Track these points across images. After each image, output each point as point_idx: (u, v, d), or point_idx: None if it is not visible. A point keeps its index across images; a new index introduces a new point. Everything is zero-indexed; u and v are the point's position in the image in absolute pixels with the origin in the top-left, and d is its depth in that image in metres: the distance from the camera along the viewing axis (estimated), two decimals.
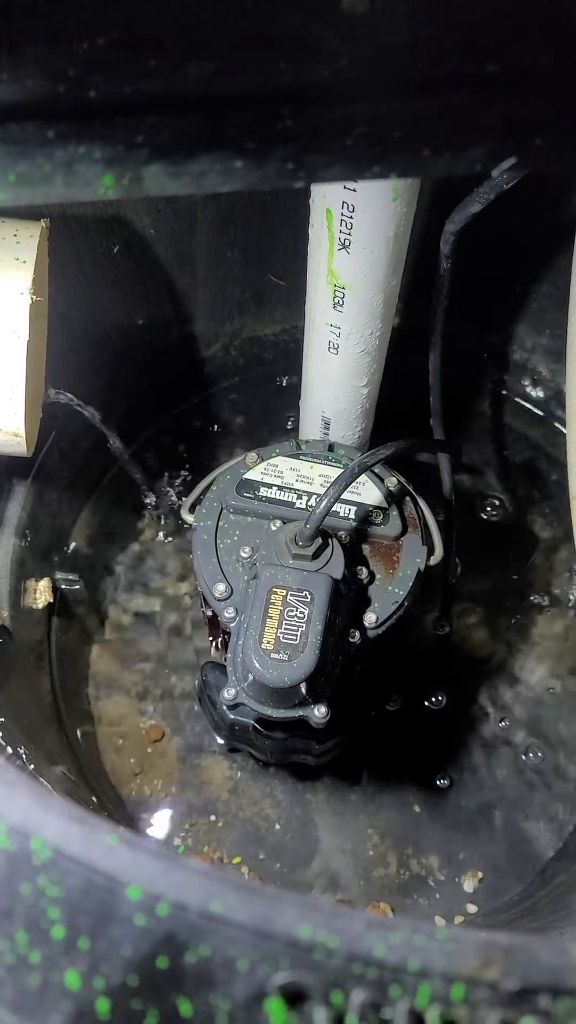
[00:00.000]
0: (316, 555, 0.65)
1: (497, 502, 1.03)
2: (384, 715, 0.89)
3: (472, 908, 0.85)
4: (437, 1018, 0.25)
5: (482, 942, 0.26)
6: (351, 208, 0.60)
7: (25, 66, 0.37)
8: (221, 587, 0.69)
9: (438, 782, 0.89)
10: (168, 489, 1.01)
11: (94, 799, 0.83)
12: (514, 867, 0.87)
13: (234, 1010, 0.25)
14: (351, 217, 0.60)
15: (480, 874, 0.86)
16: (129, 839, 0.27)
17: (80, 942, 0.26)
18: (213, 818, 0.88)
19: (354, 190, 0.59)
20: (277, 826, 0.88)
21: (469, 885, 0.86)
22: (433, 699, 0.92)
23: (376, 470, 0.72)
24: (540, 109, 0.38)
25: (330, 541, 0.66)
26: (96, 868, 0.27)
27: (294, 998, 0.26)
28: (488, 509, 1.02)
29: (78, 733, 0.90)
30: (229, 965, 0.25)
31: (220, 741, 0.84)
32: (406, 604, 0.69)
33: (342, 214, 0.60)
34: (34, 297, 0.64)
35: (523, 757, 0.91)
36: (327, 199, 0.60)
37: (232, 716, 0.71)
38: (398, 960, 0.25)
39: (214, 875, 0.26)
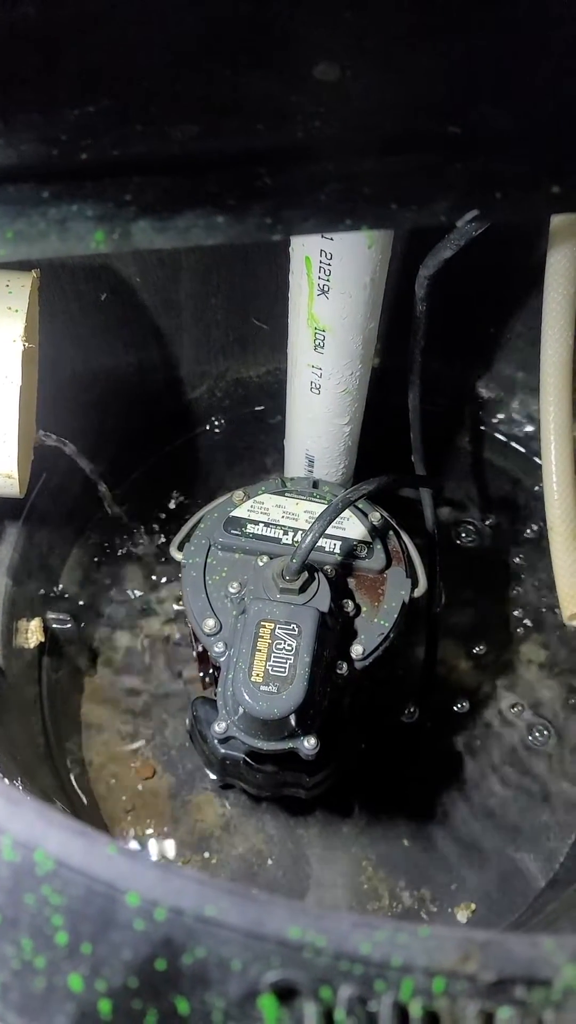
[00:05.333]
0: (303, 589, 0.66)
1: (478, 534, 1.05)
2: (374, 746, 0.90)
3: None
4: (420, 1010, 0.26)
5: (460, 938, 0.27)
6: (329, 256, 0.62)
7: (21, 132, 0.40)
8: (210, 623, 0.70)
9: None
10: (156, 528, 1.03)
11: None
12: (506, 897, 0.87)
13: (229, 1007, 0.27)
14: (329, 264, 0.63)
15: (473, 905, 0.86)
16: (127, 850, 0.29)
17: (82, 947, 0.28)
18: (207, 855, 0.88)
19: (331, 239, 0.61)
20: (270, 861, 0.88)
21: (462, 916, 0.86)
22: (422, 729, 0.93)
23: (360, 505, 0.74)
24: (499, 165, 0.41)
25: (316, 575, 0.67)
26: (96, 877, 0.28)
27: (285, 995, 0.27)
28: (470, 541, 1.05)
29: (70, 771, 0.90)
30: (223, 965, 0.27)
31: (212, 776, 0.84)
32: (392, 636, 0.71)
33: (320, 261, 0.63)
34: (26, 344, 0.67)
35: (513, 787, 0.92)
36: (306, 247, 0.63)
37: (223, 750, 0.72)
38: (382, 957, 0.27)
39: (208, 881, 0.28)
